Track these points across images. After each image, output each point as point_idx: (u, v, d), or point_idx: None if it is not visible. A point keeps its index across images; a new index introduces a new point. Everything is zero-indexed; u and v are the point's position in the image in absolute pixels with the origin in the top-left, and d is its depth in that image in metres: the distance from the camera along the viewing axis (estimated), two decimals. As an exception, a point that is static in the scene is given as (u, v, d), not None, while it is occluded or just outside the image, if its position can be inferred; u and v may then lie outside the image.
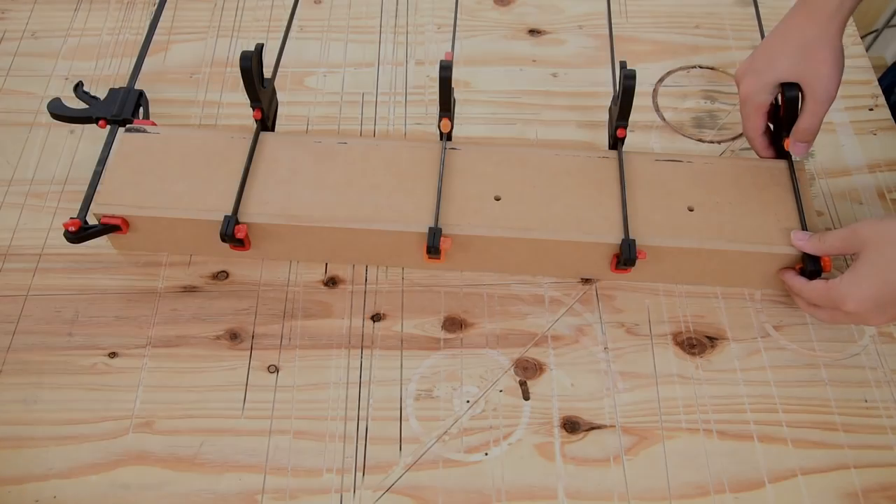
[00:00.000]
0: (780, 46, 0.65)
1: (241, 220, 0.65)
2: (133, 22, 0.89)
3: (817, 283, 0.61)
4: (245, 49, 0.65)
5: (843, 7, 0.63)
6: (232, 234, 0.64)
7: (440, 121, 0.69)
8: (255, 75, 0.66)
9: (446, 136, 0.70)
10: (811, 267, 0.63)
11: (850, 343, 0.66)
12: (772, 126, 0.70)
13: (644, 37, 0.88)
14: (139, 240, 0.69)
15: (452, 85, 0.67)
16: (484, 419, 0.62)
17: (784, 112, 0.66)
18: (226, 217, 0.65)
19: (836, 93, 0.65)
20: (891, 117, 0.80)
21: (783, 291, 0.69)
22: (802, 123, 0.66)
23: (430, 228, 0.64)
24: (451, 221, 0.66)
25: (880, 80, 0.86)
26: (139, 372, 0.64)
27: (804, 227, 0.65)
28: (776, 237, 0.65)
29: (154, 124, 0.72)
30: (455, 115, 0.72)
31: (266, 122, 0.71)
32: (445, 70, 0.64)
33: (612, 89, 0.83)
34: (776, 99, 0.67)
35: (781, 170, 0.69)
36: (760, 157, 0.70)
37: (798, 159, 0.69)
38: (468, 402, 0.63)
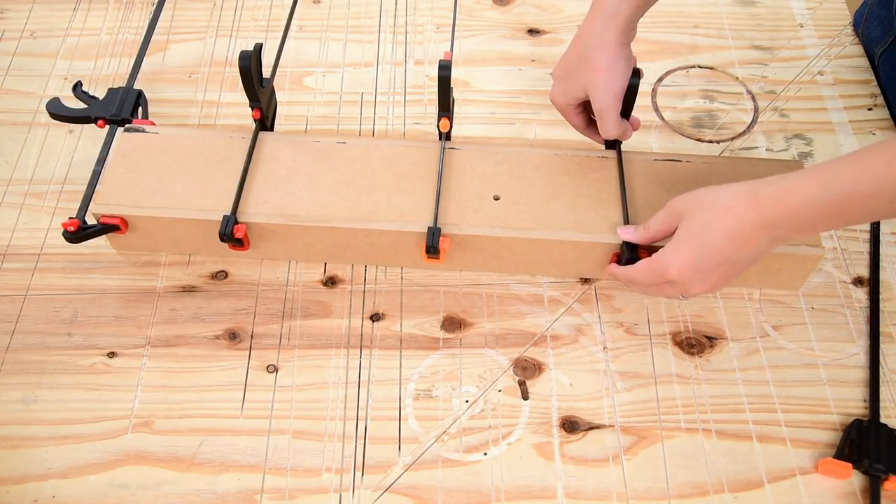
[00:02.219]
0: (569, 55, 0.67)
1: (240, 219, 0.65)
2: (132, 22, 0.89)
3: (641, 262, 0.60)
4: (244, 49, 0.64)
5: (619, 12, 0.62)
6: (231, 233, 0.64)
7: (439, 120, 0.69)
8: (254, 75, 0.66)
9: (445, 136, 0.70)
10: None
11: (850, 343, 0.66)
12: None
13: (643, 36, 0.88)
14: (138, 240, 0.69)
15: (451, 85, 0.67)
16: (483, 419, 0.62)
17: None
18: (225, 217, 0.65)
19: (616, 96, 0.64)
20: (889, 117, 0.80)
21: (782, 290, 0.69)
22: (600, 128, 0.66)
23: (430, 228, 0.64)
24: (451, 221, 0.66)
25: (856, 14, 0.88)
26: (138, 372, 0.64)
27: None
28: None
29: (153, 124, 0.72)
30: (454, 114, 0.72)
31: (265, 122, 0.71)
32: (445, 70, 0.64)
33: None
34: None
35: (781, 169, 0.69)
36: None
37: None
38: (467, 401, 0.63)
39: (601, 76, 0.63)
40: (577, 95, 0.66)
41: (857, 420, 0.61)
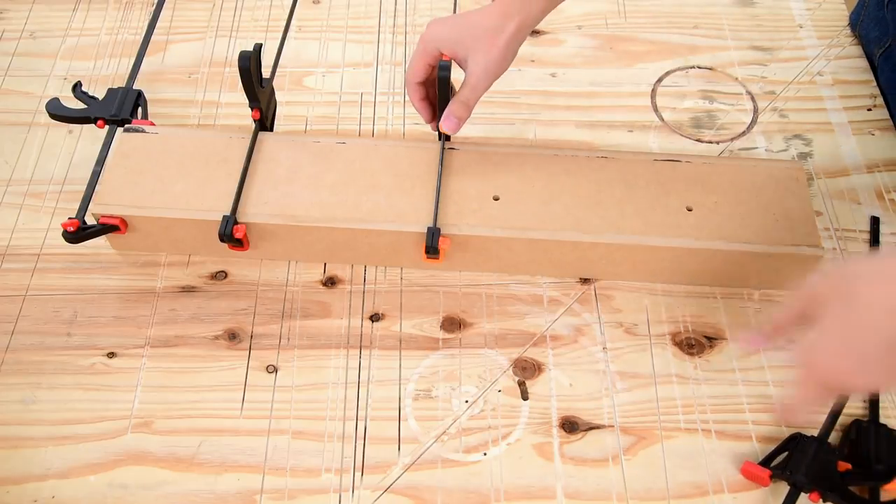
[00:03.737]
0: (466, 18, 0.63)
1: (239, 220, 0.65)
2: (131, 22, 0.89)
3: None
4: (244, 49, 0.64)
5: (528, 10, 0.61)
6: (231, 234, 0.64)
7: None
8: (253, 75, 0.66)
9: (445, 137, 0.70)
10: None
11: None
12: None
13: (642, 37, 0.88)
14: (138, 240, 0.69)
15: (451, 85, 0.67)
16: (483, 419, 0.62)
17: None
18: (224, 217, 0.65)
19: (490, 82, 0.62)
20: (889, 117, 0.80)
21: (781, 290, 0.69)
22: (451, 104, 0.64)
23: (429, 228, 0.64)
24: (450, 221, 0.66)
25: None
26: (138, 372, 0.64)
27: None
28: (775, 237, 0.65)
29: (152, 124, 0.72)
30: None
31: (265, 122, 0.71)
32: (444, 70, 0.64)
33: (612, 89, 0.83)
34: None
35: (781, 169, 0.69)
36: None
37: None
38: (467, 402, 0.63)
39: (495, 52, 0.61)
40: (455, 53, 0.62)
41: (856, 420, 0.61)
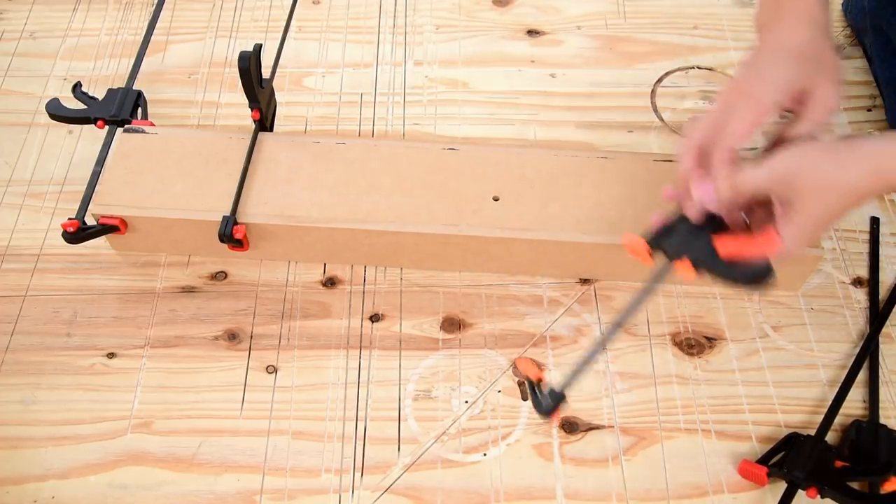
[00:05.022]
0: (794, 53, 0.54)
1: (239, 220, 0.65)
2: (131, 22, 0.89)
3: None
4: (243, 49, 0.64)
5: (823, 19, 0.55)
6: (230, 234, 0.64)
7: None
8: (253, 76, 0.66)
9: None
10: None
11: (849, 343, 0.66)
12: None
13: (642, 37, 0.88)
14: (137, 240, 0.69)
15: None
16: (482, 419, 0.62)
17: None
18: (224, 217, 0.65)
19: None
20: (885, 118, 0.80)
21: (781, 290, 0.69)
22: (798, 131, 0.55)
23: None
24: (450, 221, 0.66)
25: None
26: (137, 372, 0.64)
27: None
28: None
29: (152, 125, 0.72)
30: (447, 114, 0.72)
31: (265, 123, 0.71)
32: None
33: (612, 90, 0.83)
34: None
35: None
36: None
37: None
38: (467, 402, 0.63)
39: (836, 78, 0.53)
40: (799, 87, 0.52)
41: (856, 421, 0.61)
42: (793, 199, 0.51)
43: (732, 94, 0.54)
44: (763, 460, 0.59)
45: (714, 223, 0.54)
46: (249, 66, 0.65)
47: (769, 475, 0.58)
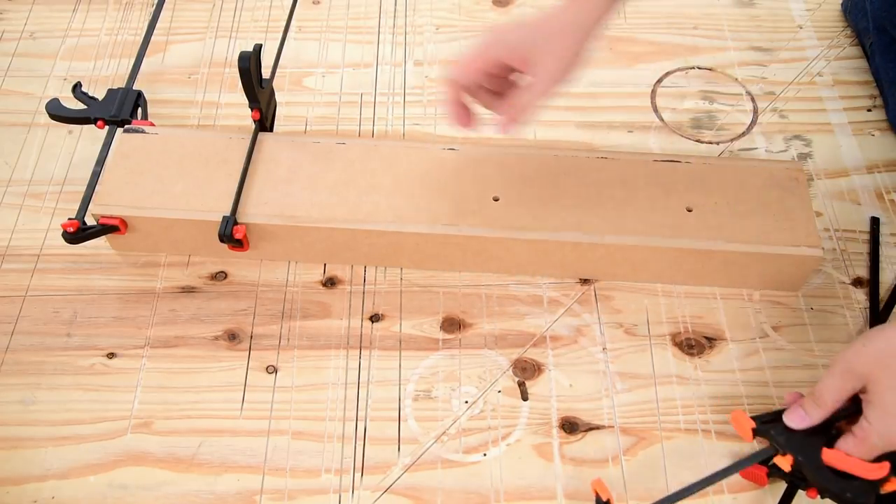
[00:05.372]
0: (530, 23, 0.59)
1: (239, 220, 0.65)
2: (131, 22, 0.89)
3: (846, 439, 0.53)
4: (243, 49, 0.65)
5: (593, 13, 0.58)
6: (231, 234, 0.64)
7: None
8: (253, 76, 0.66)
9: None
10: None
11: (849, 344, 0.66)
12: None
13: (642, 38, 0.88)
14: (137, 240, 0.69)
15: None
16: (482, 420, 0.62)
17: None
18: (224, 217, 0.65)
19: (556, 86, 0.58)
20: (885, 118, 0.80)
21: (781, 290, 0.69)
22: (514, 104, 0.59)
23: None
24: (450, 221, 0.66)
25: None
26: (137, 372, 0.64)
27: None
28: (775, 237, 0.65)
29: (152, 125, 0.72)
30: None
31: (265, 123, 0.71)
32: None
33: (612, 90, 0.83)
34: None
35: (781, 170, 0.69)
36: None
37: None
38: (467, 402, 0.63)
39: (565, 56, 0.57)
40: (520, 56, 0.58)
41: None
42: (869, 387, 0.51)
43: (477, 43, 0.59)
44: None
45: (828, 433, 0.55)
46: (249, 66, 0.65)
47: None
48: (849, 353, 0.52)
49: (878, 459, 0.53)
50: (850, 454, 0.52)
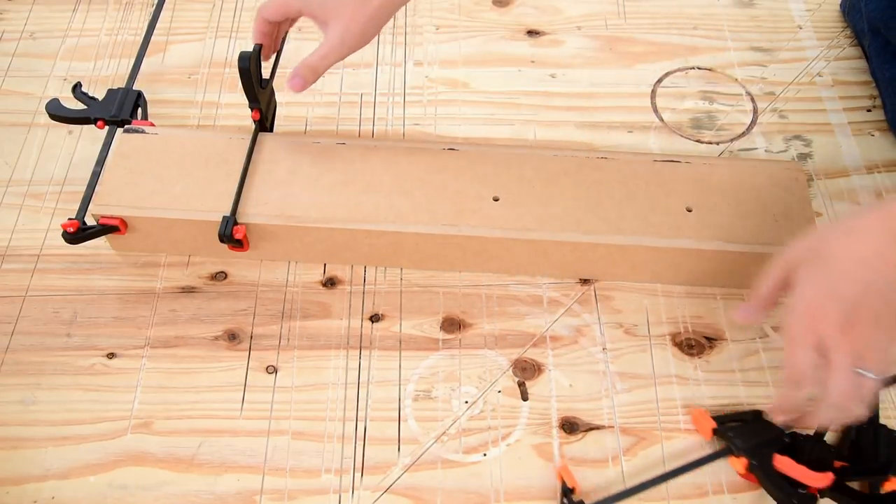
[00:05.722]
0: None
1: (239, 220, 0.65)
2: (131, 22, 0.89)
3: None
4: (244, 49, 0.64)
5: None
6: (230, 234, 0.64)
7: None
8: (253, 76, 0.66)
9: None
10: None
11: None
12: None
13: (642, 38, 0.88)
14: (137, 240, 0.69)
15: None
16: (482, 420, 0.62)
17: None
18: (224, 217, 0.65)
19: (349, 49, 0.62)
20: (884, 118, 0.81)
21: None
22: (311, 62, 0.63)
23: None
24: (450, 221, 0.66)
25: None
26: (137, 372, 0.64)
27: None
28: (774, 237, 0.65)
29: (152, 125, 0.72)
30: (447, 114, 0.72)
31: (264, 123, 0.71)
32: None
33: (612, 90, 0.83)
34: None
35: (781, 170, 0.69)
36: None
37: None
38: (467, 402, 0.63)
39: (356, 25, 0.60)
40: (314, 14, 0.61)
41: None
42: (793, 275, 0.52)
43: None
44: (839, 455, 0.58)
45: (782, 441, 0.58)
46: (249, 66, 0.65)
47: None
48: (785, 250, 0.54)
49: (822, 469, 0.55)
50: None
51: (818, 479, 0.55)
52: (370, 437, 0.61)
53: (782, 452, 0.57)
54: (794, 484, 0.56)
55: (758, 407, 0.62)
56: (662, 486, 0.59)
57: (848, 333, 0.48)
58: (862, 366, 0.49)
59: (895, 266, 0.47)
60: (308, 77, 0.63)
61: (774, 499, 0.57)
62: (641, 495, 0.58)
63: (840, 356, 0.49)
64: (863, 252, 0.48)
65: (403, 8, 0.90)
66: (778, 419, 0.56)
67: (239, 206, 0.66)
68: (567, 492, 0.57)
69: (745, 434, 0.58)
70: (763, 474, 0.57)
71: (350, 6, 0.60)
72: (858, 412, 0.51)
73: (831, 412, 0.52)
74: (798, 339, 0.50)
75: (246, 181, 0.67)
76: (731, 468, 0.59)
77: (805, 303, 0.50)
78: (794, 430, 0.58)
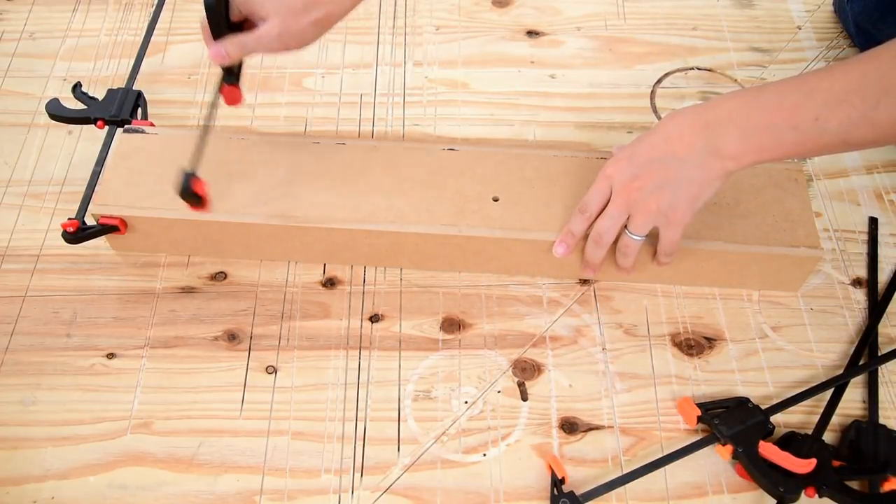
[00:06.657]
0: None
1: (240, 220, 0.65)
2: (131, 23, 0.89)
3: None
4: None
5: None
6: (189, 188, 0.60)
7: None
8: (220, 14, 0.60)
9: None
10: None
11: (849, 344, 0.66)
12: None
13: (642, 38, 0.88)
14: (137, 240, 0.69)
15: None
16: (482, 420, 0.62)
17: None
18: (184, 172, 0.61)
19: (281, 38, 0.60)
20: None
21: (781, 290, 0.69)
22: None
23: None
24: (450, 222, 0.66)
25: None
26: (137, 373, 0.64)
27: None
28: (774, 237, 0.65)
29: (152, 125, 0.72)
30: (447, 114, 0.72)
31: (232, 70, 0.64)
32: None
33: (611, 90, 0.83)
34: None
35: (780, 171, 0.69)
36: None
37: None
38: (466, 402, 0.63)
39: (297, 29, 0.59)
40: (252, 10, 0.60)
41: (855, 421, 0.61)
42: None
43: None
44: (839, 455, 0.59)
45: (766, 428, 0.59)
46: (214, 3, 0.59)
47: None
48: (606, 164, 0.61)
49: (805, 457, 0.57)
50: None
51: (801, 466, 0.56)
52: (370, 438, 0.61)
53: (766, 440, 0.58)
54: (783, 472, 0.57)
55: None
56: (663, 487, 0.59)
57: (628, 189, 0.59)
58: (627, 223, 0.60)
59: (688, 148, 0.56)
60: (235, 54, 0.61)
61: (760, 486, 0.57)
62: (641, 494, 0.58)
63: (614, 206, 0.60)
64: (670, 131, 0.57)
65: (403, 8, 0.90)
66: (559, 250, 0.64)
67: (238, 207, 0.66)
68: (557, 482, 0.57)
69: (728, 420, 0.59)
70: (748, 461, 0.57)
71: (290, 12, 0.59)
72: (621, 262, 0.64)
73: (591, 247, 0.63)
74: (599, 180, 0.61)
75: (245, 181, 0.67)
76: (732, 468, 0.59)
77: (615, 158, 0.60)
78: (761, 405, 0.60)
